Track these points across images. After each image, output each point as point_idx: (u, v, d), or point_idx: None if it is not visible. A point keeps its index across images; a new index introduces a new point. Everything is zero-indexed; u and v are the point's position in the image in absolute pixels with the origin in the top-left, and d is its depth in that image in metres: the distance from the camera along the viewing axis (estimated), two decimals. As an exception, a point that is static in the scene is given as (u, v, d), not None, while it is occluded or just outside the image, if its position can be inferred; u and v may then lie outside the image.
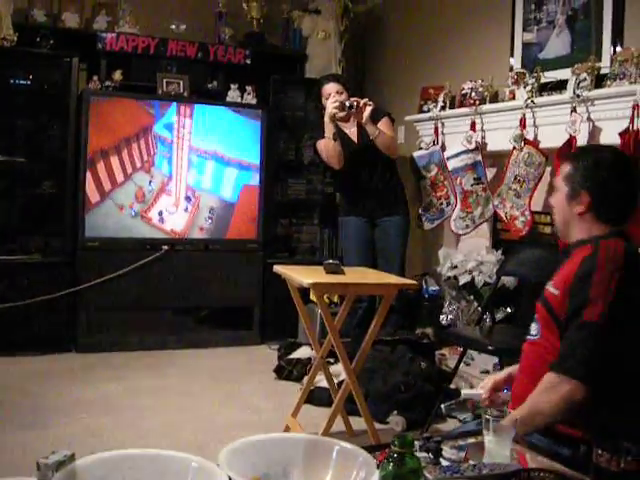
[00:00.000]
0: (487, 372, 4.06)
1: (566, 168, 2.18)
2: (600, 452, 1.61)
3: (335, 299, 4.96)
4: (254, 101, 5.51)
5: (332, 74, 5.10)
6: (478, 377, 4.07)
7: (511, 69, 4.47)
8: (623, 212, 2.14)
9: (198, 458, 1.41)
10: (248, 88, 5.50)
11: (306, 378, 3.66)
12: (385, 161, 4.60)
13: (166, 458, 1.41)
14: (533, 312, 2.17)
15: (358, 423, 3.43)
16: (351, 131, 4.66)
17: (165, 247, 5.14)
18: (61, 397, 3.99)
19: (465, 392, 2.28)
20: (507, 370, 2.33)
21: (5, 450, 3.16)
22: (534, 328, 2.15)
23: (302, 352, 4.59)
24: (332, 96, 4.48)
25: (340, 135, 4.53)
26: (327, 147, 4.52)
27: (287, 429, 3.41)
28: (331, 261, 3.31)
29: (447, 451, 1.75)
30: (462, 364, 3.82)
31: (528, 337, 2.17)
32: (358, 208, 4.71)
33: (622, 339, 1.93)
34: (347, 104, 4.37)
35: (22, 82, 5.06)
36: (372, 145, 4.48)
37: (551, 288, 2.08)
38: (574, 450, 1.95)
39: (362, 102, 4.38)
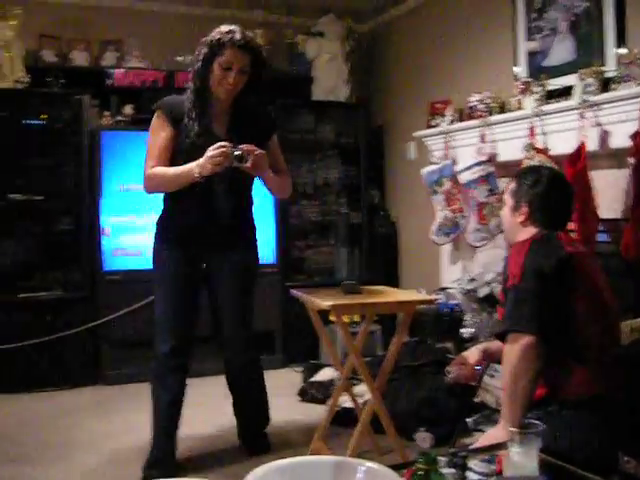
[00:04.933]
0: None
1: (512, 185, 2.57)
2: (627, 459, 1.62)
3: (356, 318, 4.96)
4: (264, 126, 5.55)
5: (243, 38, 3.09)
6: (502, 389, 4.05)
7: (517, 78, 4.49)
8: (557, 219, 2.50)
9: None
10: (257, 114, 5.54)
11: (331, 399, 3.66)
12: (250, 178, 3.27)
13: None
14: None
15: (386, 441, 3.42)
16: (218, 120, 3.22)
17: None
18: (88, 430, 4.02)
19: (450, 372, 2.65)
20: (478, 348, 2.71)
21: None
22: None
23: (325, 373, 4.60)
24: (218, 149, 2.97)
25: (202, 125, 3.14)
26: (172, 179, 3.12)
27: (314, 451, 3.41)
28: (348, 281, 3.32)
29: (477, 464, 1.75)
30: (486, 377, 3.80)
31: None
32: (187, 237, 3.27)
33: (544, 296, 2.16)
34: (236, 153, 2.96)
35: (36, 122, 5.15)
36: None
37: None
38: (543, 408, 2.18)
39: (257, 152, 3.02)
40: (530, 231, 2.43)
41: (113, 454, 3.63)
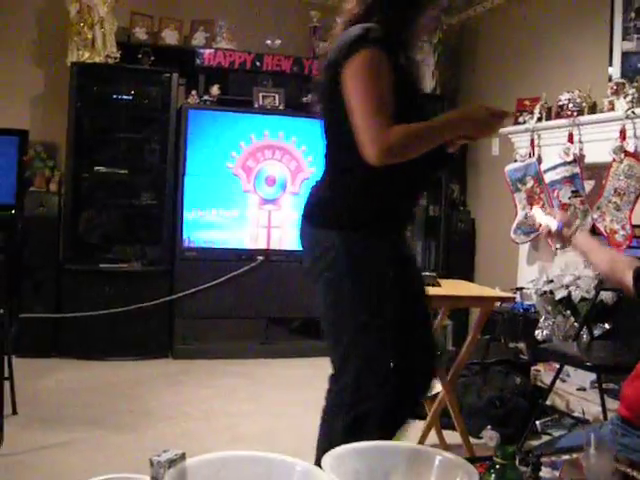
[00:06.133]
0: (584, 389, 3.98)
1: None
2: None
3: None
4: (348, 114, 5.55)
5: None
6: (574, 394, 3.98)
7: (610, 79, 4.38)
8: None
9: (303, 462, 1.43)
10: (342, 101, 5.55)
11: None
12: None
13: (272, 461, 1.44)
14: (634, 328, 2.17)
15: (451, 437, 3.40)
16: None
17: (260, 258, 5.24)
18: (158, 401, 4.11)
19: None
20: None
21: (104, 450, 3.28)
22: None
23: (394, 364, 4.58)
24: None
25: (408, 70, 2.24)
26: (428, 139, 2.09)
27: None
28: (427, 273, 3.30)
29: (541, 470, 1.72)
30: (558, 380, 3.74)
31: None
32: (404, 223, 2.41)
33: None
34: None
35: (124, 97, 5.27)
36: None
37: None
38: None
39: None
40: None
41: (181, 426, 3.69)
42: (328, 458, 1.43)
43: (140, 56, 5.27)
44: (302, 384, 4.61)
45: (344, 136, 2.09)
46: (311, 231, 2.26)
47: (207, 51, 5.39)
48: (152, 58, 5.27)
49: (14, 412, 3.61)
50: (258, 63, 5.47)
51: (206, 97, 5.31)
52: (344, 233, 2.17)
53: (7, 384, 3.47)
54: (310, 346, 5.44)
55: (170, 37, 5.54)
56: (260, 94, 5.43)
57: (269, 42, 5.63)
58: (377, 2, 2.14)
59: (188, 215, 5.14)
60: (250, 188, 5.29)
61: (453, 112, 2.21)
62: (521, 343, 4.59)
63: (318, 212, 2.25)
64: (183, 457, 1.38)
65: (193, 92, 5.30)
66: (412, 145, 2.06)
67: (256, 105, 5.40)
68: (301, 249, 2.33)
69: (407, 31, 2.20)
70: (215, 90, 5.32)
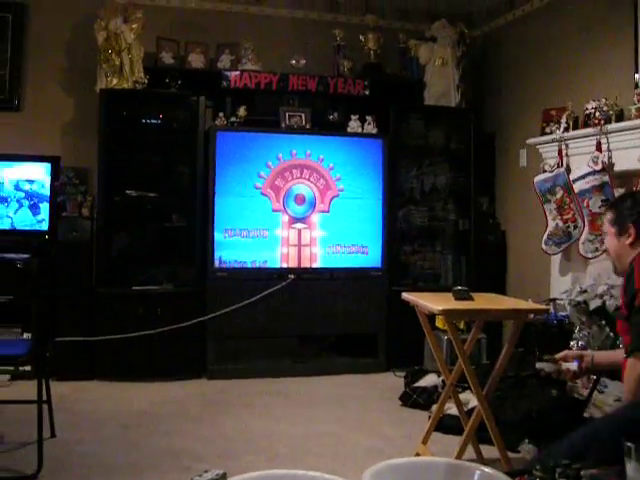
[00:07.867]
0: (620, 400, 3.93)
1: (609, 215, 2.70)
2: None
3: (461, 326, 4.91)
4: (374, 130, 5.58)
5: None
6: (612, 406, 3.93)
7: (637, 86, 4.36)
8: None
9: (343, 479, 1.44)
10: (368, 118, 5.59)
11: (435, 405, 3.64)
12: None
13: (313, 479, 1.45)
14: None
15: (488, 451, 3.37)
16: None
17: (291, 276, 5.26)
18: (194, 422, 4.12)
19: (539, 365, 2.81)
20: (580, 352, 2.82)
21: (141, 471, 3.29)
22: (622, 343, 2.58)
23: (429, 379, 4.57)
24: None
25: None
26: None
27: (418, 456, 3.39)
28: (460, 287, 3.30)
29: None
30: (595, 392, 3.70)
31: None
32: None
33: None
34: None
35: (153, 121, 5.35)
36: None
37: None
38: None
39: None
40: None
41: (217, 445, 3.70)
42: (368, 475, 1.43)
43: (167, 80, 5.34)
44: (336, 402, 4.62)
45: None
46: None
47: (233, 73, 5.45)
48: (179, 82, 5.35)
49: (52, 435, 3.65)
50: (283, 83, 5.52)
51: (233, 119, 5.36)
52: None
53: (45, 407, 3.51)
54: (342, 363, 5.45)
55: (196, 61, 5.61)
56: (286, 114, 5.48)
57: (294, 62, 5.68)
58: None
59: (218, 236, 5.19)
60: (279, 207, 5.32)
61: None
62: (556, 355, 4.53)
63: None
64: (224, 477, 1.40)
65: (220, 114, 5.36)
66: None
67: (283, 125, 5.44)
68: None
69: None
70: (242, 111, 5.38)
